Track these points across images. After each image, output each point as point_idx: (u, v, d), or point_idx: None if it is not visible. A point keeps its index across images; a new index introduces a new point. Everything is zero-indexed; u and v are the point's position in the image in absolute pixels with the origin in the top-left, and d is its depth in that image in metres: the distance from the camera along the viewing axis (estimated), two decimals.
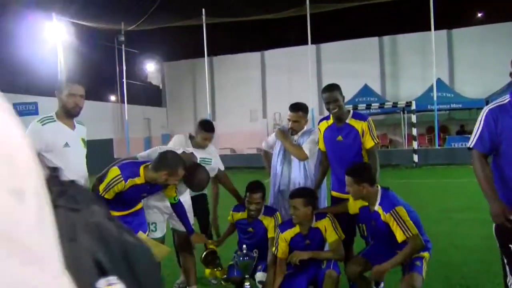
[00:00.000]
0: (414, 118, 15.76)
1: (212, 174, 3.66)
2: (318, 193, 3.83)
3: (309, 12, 19.55)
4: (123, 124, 24.51)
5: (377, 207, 3.17)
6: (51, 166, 0.54)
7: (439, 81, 19.67)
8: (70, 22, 21.47)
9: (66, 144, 2.98)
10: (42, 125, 2.93)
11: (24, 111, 13.93)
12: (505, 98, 2.53)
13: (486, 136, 2.55)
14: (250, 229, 3.71)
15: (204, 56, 22.47)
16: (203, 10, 21.41)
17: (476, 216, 6.42)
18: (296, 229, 3.45)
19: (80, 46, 23.32)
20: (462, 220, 6.43)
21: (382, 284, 3.64)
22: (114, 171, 3.02)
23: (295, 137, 4.01)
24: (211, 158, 3.80)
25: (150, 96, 30.04)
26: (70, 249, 0.41)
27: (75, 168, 3.01)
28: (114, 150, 20.06)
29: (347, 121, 3.64)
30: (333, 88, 3.62)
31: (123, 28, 23.59)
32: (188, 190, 3.83)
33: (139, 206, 3.33)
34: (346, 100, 3.77)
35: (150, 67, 31.74)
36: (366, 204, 3.27)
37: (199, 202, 4.22)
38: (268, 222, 3.67)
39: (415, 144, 15.72)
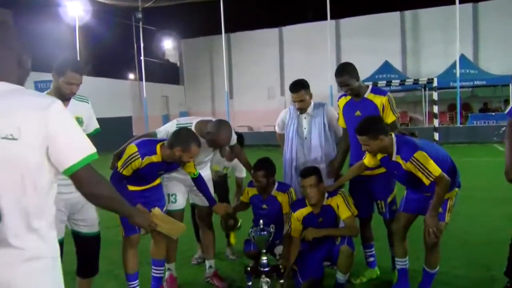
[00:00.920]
0: (435, 96, 15.40)
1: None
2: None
3: None
4: (141, 102, 24.70)
5: (395, 157, 3.10)
6: None
7: (462, 57, 19.10)
8: (88, 0, 21.48)
9: None
10: None
11: (45, 88, 14.11)
12: None
13: None
14: (265, 206, 3.70)
15: (221, 33, 22.27)
16: None
17: (498, 195, 6.31)
18: (308, 208, 3.43)
19: (98, 24, 23.39)
20: (483, 199, 6.34)
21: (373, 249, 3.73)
22: (132, 148, 3.04)
23: (309, 111, 3.95)
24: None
25: (167, 74, 30.13)
26: None
27: None
28: (133, 127, 20.27)
29: (366, 96, 3.57)
30: (342, 73, 3.52)
31: (141, 5, 23.50)
32: (208, 165, 3.85)
33: (157, 182, 3.35)
34: (366, 77, 3.74)
35: (168, 45, 31.72)
36: (385, 154, 3.20)
37: (219, 180, 4.28)
38: (282, 198, 3.67)
39: (436, 122, 15.42)
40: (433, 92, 15.58)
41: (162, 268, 3.50)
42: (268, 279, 3.15)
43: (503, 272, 3.25)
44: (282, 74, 26.47)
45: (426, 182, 2.95)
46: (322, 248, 3.38)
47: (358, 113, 3.52)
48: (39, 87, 14.07)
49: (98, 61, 26.33)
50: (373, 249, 3.78)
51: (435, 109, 15.44)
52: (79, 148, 1.49)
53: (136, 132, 18.41)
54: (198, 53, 28.61)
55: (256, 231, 3.17)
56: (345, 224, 3.43)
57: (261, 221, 3.21)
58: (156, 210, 3.10)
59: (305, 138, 3.97)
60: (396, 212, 3.50)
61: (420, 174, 2.94)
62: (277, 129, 4.33)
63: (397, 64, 22.45)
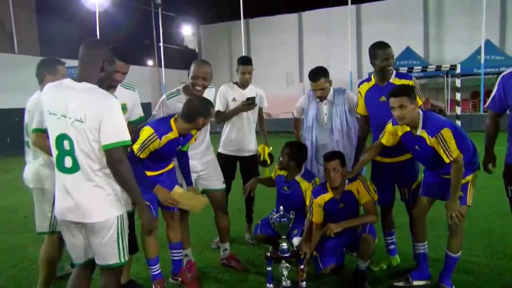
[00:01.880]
0: (458, 83, 15.04)
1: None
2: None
3: None
4: (160, 88, 24.86)
5: (420, 131, 3.06)
6: None
7: (488, 42, 18.54)
8: None
9: None
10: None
11: (67, 75, 14.28)
12: None
13: (496, 98, 3.09)
14: (286, 188, 3.71)
15: (240, 19, 22.12)
16: None
17: None
18: (329, 194, 3.42)
19: (117, 10, 23.50)
20: None
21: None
22: (147, 130, 3.03)
23: (329, 97, 3.94)
24: (254, 96, 4.22)
25: (186, 59, 30.13)
26: None
27: None
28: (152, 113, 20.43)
29: (391, 80, 3.51)
30: (388, 45, 3.53)
31: None
32: (211, 149, 3.87)
33: (171, 166, 3.37)
34: None
35: (187, 31, 31.70)
36: (407, 130, 3.16)
37: (249, 164, 4.37)
38: (306, 187, 3.65)
39: (458, 110, 15.09)
40: (456, 79, 15.21)
41: (180, 251, 3.54)
42: (288, 265, 3.17)
43: None
44: (301, 60, 26.21)
45: (446, 160, 2.95)
46: (343, 235, 3.37)
47: (383, 98, 3.44)
48: None
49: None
50: (394, 236, 3.76)
51: (458, 96, 15.08)
52: (115, 133, 2.22)
53: None
54: (217, 39, 28.52)
55: (276, 217, 3.18)
56: (365, 209, 3.43)
57: (281, 207, 3.22)
58: (177, 188, 3.15)
59: (326, 124, 3.95)
60: None
61: (441, 152, 2.95)
62: (295, 113, 4.35)
63: (419, 50, 21.95)
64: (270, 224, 3.48)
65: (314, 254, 3.41)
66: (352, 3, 20.53)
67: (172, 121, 3.12)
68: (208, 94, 3.67)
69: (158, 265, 3.36)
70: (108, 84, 2.80)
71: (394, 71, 3.59)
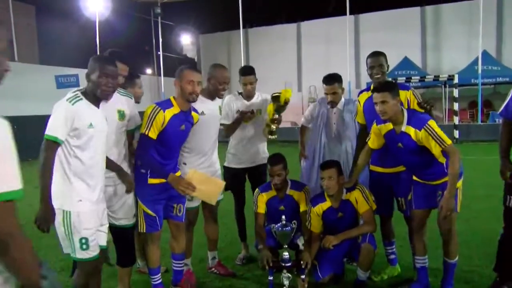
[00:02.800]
0: (456, 92, 15.13)
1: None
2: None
3: None
4: (160, 97, 24.89)
5: (405, 128, 3.08)
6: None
7: (485, 53, 18.67)
8: None
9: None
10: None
11: (65, 83, 14.29)
12: None
13: (509, 105, 3.13)
14: (282, 207, 3.64)
15: (239, 28, 22.25)
16: None
17: None
18: (327, 203, 3.42)
19: (117, 19, 23.60)
20: None
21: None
22: (150, 106, 3.06)
23: (339, 106, 3.98)
24: (261, 109, 4.07)
25: None
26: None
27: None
28: None
29: None
30: (379, 53, 3.60)
31: (159, 0, 23.63)
32: (218, 163, 3.84)
33: (178, 174, 3.35)
34: None
35: (186, 40, 31.79)
36: (390, 128, 3.17)
37: (257, 175, 4.14)
38: (298, 196, 3.62)
39: (456, 120, 15.15)
40: (454, 89, 15.30)
41: (182, 262, 3.51)
42: (289, 275, 3.15)
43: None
44: (299, 70, 26.31)
45: (438, 151, 2.97)
46: (343, 245, 3.36)
47: None
48: (60, 81, 14.28)
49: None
50: (394, 246, 3.75)
51: (456, 106, 15.17)
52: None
53: None
54: (216, 48, 28.63)
55: (278, 226, 3.17)
56: (363, 218, 3.42)
57: (283, 216, 3.21)
58: (193, 172, 3.10)
59: (334, 133, 3.97)
60: None
61: (433, 143, 2.97)
62: (303, 121, 4.35)
63: (417, 60, 22.09)
64: (271, 235, 3.46)
65: (314, 263, 3.39)
66: (350, 13, 20.67)
67: (171, 98, 3.19)
68: (217, 101, 3.76)
69: (160, 274, 3.33)
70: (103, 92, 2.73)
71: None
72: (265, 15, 26.67)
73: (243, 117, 3.95)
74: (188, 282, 3.55)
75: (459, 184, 3.12)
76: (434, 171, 3.10)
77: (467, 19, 21.19)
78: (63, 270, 3.91)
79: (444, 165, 3.07)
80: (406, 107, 3.41)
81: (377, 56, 3.56)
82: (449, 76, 15.92)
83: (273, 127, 3.90)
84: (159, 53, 25.81)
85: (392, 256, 3.75)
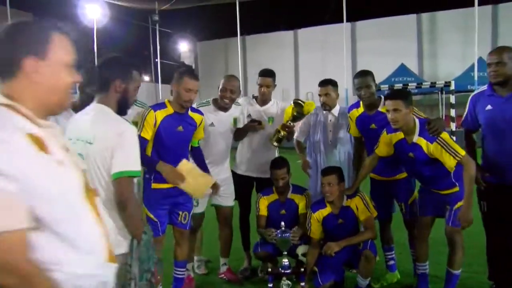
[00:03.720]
0: (452, 99, 15.19)
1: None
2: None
3: None
4: (157, 103, 24.92)
5: (416, 139, 3.02)
6: None
7: (480, 60, 18.77)
8: (105, 2, 21.76)
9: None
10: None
11: None
12: (485, 87, 3.24)
13: (468, 117, 3.30)
14: (283, 211, 3.67)
15: (237, 36, 22.33)
16: None
17: None
18: (328, 209, 3.43)
19: (115, 26, 23.66)
20: None
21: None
22: (143, 112, 3.13)
23: (335, 113, 3.95)
24: (273, 117, 3.98)
25: None
26: None
27: None
28: None
29: (379, 108, 3.50)
30: (366, 74, 3.53)
31: (157, 8, 23.70)
32: (229, 169, 3.87)
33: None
34: (381, 79, 3.73)
35: (183, 47, 31.85)
36: (401, 137, 3.13)
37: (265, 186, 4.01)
38: (299, 200, 3.67)
39: (453, 126, 15.20)
40: (450, 95, 15.37)
41: (184, 270, 3.49)
42: (289, 282, 3.16)
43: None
44: (297, 77, 26.40)
45: (452, 164, 2.91)
46: (343, 251, 3.37)
47: (373, 126, 3.48)
48: None
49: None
50: (393, 252, 3.76)
51: (452, 112, 15.22)
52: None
53: None
54: (213, 55, 28.71)
55: (278, 233, 3.18)
56: (364, 225, 3.43)
57: (282, 223, 3.22)
58: (185, 163, 3.08)
59: (330, 141, 3.97)
60: (416, 214, 3.48)
61: (446, 156, 2.90)
62: (297, 136, 4.14)
63: (413, 67, 22.19)
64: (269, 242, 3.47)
65: (314, 269, 3.40)
66: (347, 21, 20.78)
67: (166, 100, 3.22)
68: (236, 111, 3.80)
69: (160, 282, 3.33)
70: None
71: (383, 98, 3.49)
72: (262, 22, 26.78)
73: (249, 127, 3.87)
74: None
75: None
76: (444, 181, 3.08)
77: (462, 26, 21.34)
78: None
79: (452, 175, 3.05)
80: None
81: (364, 77, 3.50)
82: (446, 82, 15.98)
83: (283, 133, 3.74)
84: (156, 60, 25.87)
85: (391, 262, 3.76)
